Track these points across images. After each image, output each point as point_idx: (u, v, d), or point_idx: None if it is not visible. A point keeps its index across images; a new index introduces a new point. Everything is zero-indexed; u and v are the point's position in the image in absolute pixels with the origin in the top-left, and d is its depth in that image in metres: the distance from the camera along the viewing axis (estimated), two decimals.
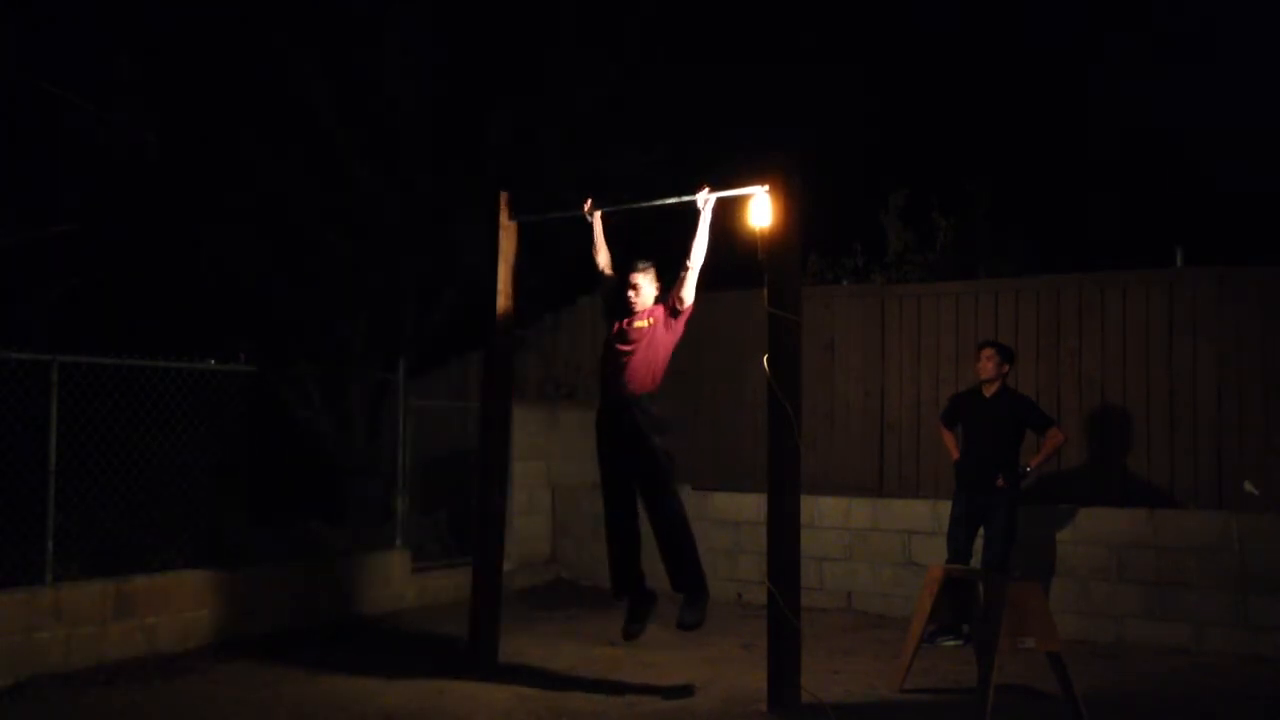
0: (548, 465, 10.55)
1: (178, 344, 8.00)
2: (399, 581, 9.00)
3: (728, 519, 9.69)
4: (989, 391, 8.16)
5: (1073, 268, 9.99)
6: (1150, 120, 15.77)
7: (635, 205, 6.80)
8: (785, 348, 6.21)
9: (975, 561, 8.05)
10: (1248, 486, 8.67)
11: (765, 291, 6.24)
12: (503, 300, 7.23)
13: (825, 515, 9.28)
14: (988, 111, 16.01)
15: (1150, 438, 9.19)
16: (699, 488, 10.11)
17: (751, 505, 9.40)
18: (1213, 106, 15.89)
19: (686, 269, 6.41)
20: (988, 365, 8.13)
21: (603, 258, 6.82)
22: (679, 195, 6.61)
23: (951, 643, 7.71)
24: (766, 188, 6.24)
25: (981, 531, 8.06)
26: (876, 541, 9.10)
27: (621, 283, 6.60)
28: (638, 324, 6.53)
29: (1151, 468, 9.17)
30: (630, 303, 6.55)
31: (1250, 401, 8.87)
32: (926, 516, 8.92)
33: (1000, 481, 7.92)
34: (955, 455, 8.33)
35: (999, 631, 5.81)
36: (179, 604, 7.39)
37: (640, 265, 6.59)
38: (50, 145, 9.00)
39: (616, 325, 6.61)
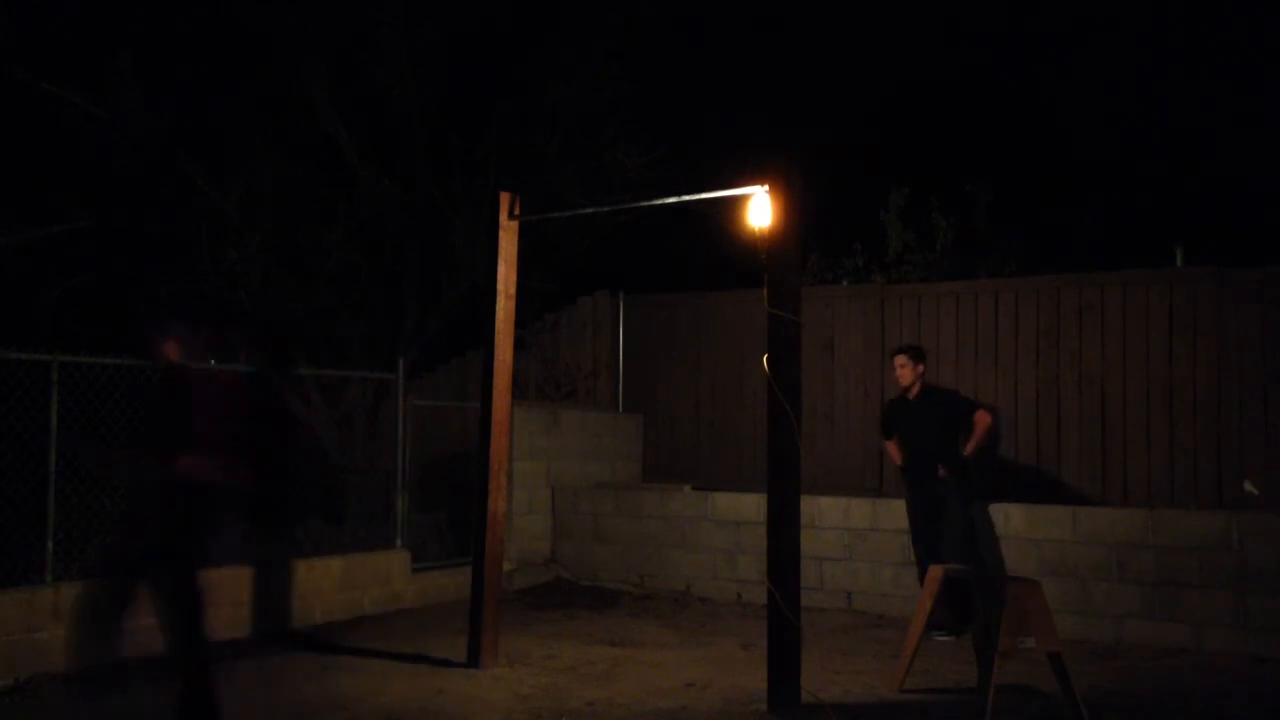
0: (548, 465, 10.55)
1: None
2: (399, 581, 9.01)
3: (728, 519, 9.68)
4: (913, 394, 8.47)
5: (1073, 267, 9.99)
6: (1151, 120, 15.76)
7: (636, 205, 6.80)
8: (785, 348, 6.21)
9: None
10: (1248, 486, 8.68)
11: (765, 291, 6.24)
12: (503, 300, 7.23)
13: (825, 515, 9.28)
14: (988, 111, 15.99)
15: (1150, 438, 9.19)
16: (699, 488, 10.12)
17: (751, 505, 9.40)
18: (1213, 106, 15.88)
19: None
20: (904, 371, 8.46)
21: None
22: (678, 195, 6.59)
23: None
24: (766, 188, 6.24)
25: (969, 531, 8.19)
26: (876, 541, 9.10)
27: None
28: None
29: (1151, 468, 9.17)
30: None
31: (1250, 401, 8.87)
32: None
33: (941, 471, 8.13)
34: (899, 461, 8.59)
35: (999, 631, 5.81)
36: None
37: None
38: (50, 145, 8.99)
39: None
